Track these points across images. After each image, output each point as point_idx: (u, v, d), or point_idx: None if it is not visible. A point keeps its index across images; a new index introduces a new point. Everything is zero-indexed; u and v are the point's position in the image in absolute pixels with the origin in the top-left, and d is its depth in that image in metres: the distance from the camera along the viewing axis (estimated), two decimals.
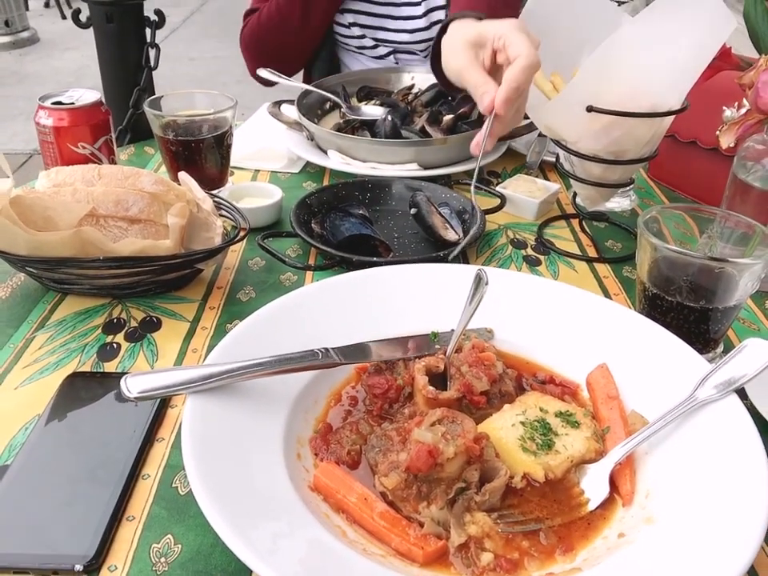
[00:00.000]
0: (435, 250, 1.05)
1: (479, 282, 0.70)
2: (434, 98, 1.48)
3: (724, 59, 1.20)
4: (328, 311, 0.82)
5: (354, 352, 0.76)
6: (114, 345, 0.87)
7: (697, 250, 0.88)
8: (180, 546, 0.62)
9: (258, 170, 1.38)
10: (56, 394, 0.77)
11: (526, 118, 1.11)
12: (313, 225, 1.10)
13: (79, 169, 0.96)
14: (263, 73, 1.47)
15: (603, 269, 1.07)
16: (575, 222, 1.20)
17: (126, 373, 0.74)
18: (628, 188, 1.24)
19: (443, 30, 1.06)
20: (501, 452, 0.66)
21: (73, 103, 1.12)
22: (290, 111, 1.43)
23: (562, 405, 0.73)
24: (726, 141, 0.97)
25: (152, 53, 1.47)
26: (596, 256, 1.10)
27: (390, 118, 1.35)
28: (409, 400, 0.75)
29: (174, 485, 0.68)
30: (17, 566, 0.59)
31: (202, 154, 1.18)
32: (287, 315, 0.80)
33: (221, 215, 1.03)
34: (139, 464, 0.69)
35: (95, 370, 0.82)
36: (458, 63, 0.97)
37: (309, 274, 1.03)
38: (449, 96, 1.47)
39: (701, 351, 0.78)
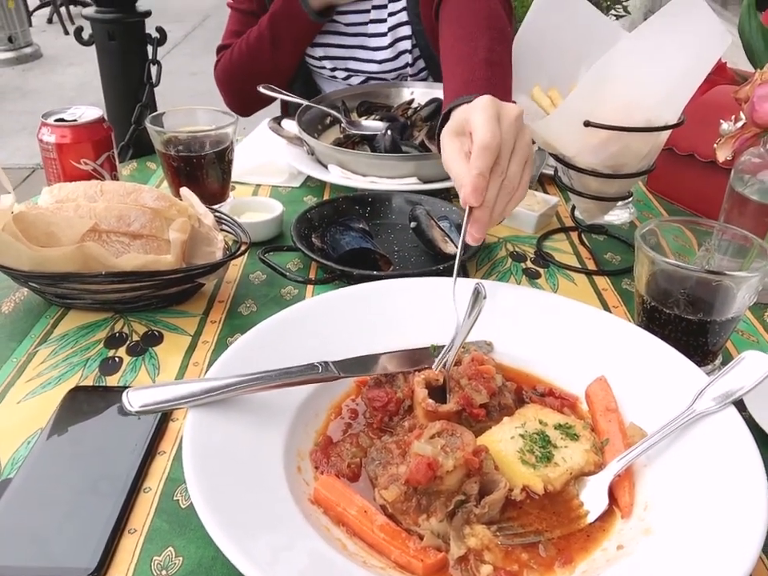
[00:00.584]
0: (435, 263, 1.06)
1: (477, 295, 0.71)
2: (434, 113, 1.49)
3: (720, 74, 1.21)
4: (328, 325, 0.83)
5: (354, 365, 0.77)
6: (116, 359, 0.88)
7: (695, 262, 0.89)
8: (181, 558, 0.62)
9: (259, 185, 1.39)
10: (58, 408, 0.77)
11: None
12: (313, 239, 1.11)
13: (82, 185, 0.97)
14: (263, 89, 1.48)
15: (602, 281, 1.08)
16: (574, 235, 1.21)
17: (128, 387, 0.74)
18: (626, 201, 1.24)
19: (444, 121, 0.98)
20: (500, 464, 0.67)
21: (75, 120, 1.14)
22: (291, 126, 1.44)
23: (561, 417, 0.73)
24: (723, 154, 0.98)
25: (153, 69, 1.49)
26: (595, 269, 1.11)
27: (389, 132, 1.36)
28: (409, 413, 0.75)
29: (175, 498, 0.68)
30: None
31: (203, 169, 1.19)
32: (288, 329, 0.81)
33: (222, 230, 1.04)
34: (141, 477, 0.70)
35: (97, 384, 0.83)
36: (444, 156, 0.89)
37: (309, 287, 1.03)
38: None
39: (699, 363, 0.79)
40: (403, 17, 1.60)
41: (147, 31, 1.47)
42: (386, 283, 0.90)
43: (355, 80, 1.72)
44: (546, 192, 1.36)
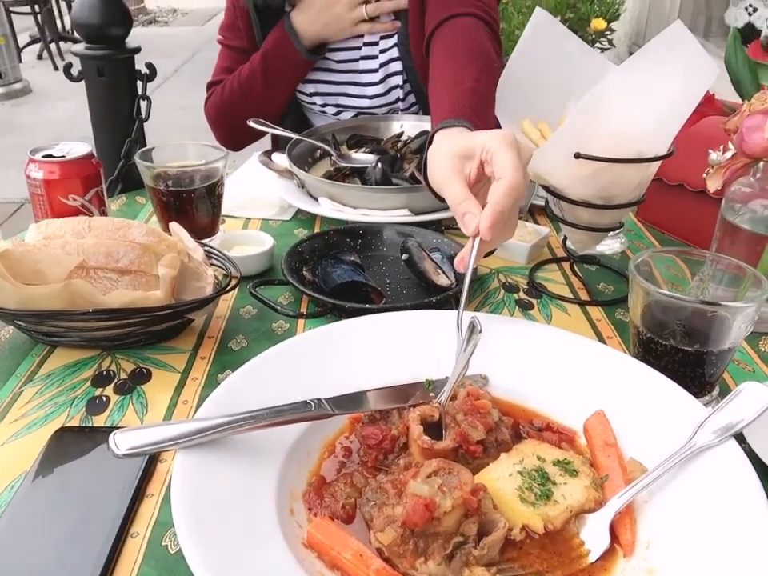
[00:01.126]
0: (427, 295, 1.05)
1: (473, 329, 0.70)
2: (423, 145, 1.49)
3: (708, 105, 1.22)
4: (321, 360, 0.81)
5: (348, 402, 0.75)
6: (104, 398, 0.86)
7: (689, 292, 0.88)
8: None
9: (250, 218, 1.38)
10: (43, 449, 0.75)
11: None
12: (304, 272, 1.10)
13: (69, 221, 0.96)
14: (253, 123, 1.48)
15: (596, 311, 1.07)
16: (566, 265, 1.21)
17: (115, 428, 0.73)
18: (617, 231, 1.24)
19: (430, 142, 0.99)
20: (499, 503, 0.65)
21: (63, 156, 1.13)
22: (281, 160, 1.44)
23: (560, 453, 0.72)
24: (714, 184, 0.98)
25: (143, 104, 1.48)
26: (588, 299, 1.10)
27: (380, 165, 1.36)
28: (404, 450, 0.73)
29: (163, 543, 0.66)
30: None
31: (193, 203, 1.18)
32: (279, 365, 0.79)
33: (212, 264, 1.03)
34: (128, 522, 0.67)
35: (84, 425, 0.81)
36: (441, 175, 0.88)
37: (301, 321, 1.02)
38: None
39: (696, 395, 0.78)
40: (394, 53, 1.61)
41: (137, 67, 1.47)
42: (378, 317, 0.89)
43: (346, 115, 1.72)
44: (536, 223, 1.36)
